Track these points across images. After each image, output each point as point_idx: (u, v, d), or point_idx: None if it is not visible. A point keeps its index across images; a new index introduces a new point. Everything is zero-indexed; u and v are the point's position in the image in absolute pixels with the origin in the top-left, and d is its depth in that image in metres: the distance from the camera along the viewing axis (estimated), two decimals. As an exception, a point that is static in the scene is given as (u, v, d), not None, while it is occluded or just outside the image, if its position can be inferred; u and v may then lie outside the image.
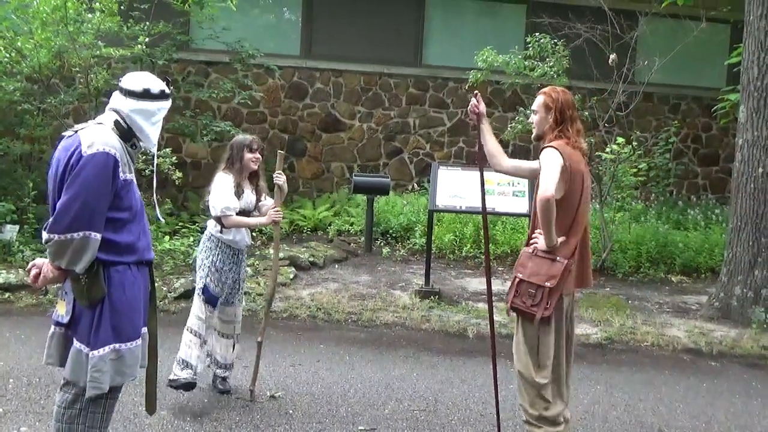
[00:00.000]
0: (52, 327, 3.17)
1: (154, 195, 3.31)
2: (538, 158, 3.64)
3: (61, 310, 3.13)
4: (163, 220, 3.48)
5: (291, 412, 4.52)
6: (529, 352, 3.65)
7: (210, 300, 4.68)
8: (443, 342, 6.28)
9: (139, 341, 3.13)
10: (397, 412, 4.63)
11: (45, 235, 2.93)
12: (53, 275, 3.00)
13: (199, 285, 4.71)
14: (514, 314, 3.73)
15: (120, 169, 2.99)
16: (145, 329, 3.22)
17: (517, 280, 3.67)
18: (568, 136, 3.67)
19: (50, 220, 2.93)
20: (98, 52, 8.61)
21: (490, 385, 5.16)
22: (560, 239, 3.56)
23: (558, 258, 3.54)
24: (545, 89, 3.84)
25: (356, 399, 4.81)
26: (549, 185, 3.43)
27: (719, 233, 9.60)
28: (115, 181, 2.98)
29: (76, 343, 3.05)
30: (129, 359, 3.07)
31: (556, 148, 3.57)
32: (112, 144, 2.99)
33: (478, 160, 4.12)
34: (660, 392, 5.29)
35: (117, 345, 3.03)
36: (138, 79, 3.15)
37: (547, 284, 3.51)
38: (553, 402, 3.64)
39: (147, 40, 8.78)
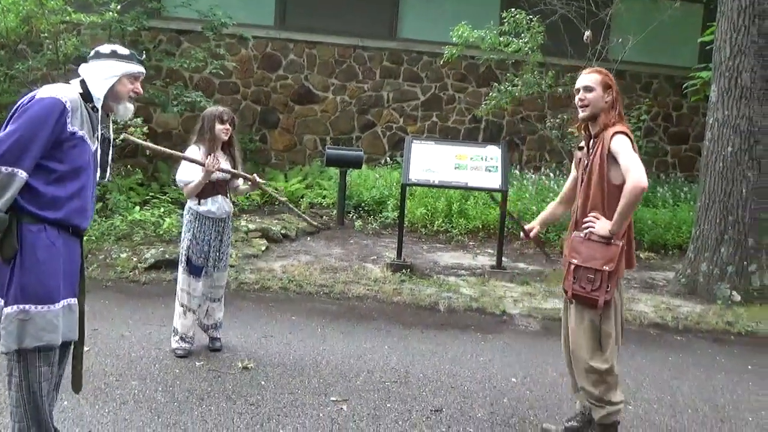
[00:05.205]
0: None
1: (97, 150, 3.24)
2: (597, 142, 3.58)
3: None
4: (108, 179, 3.48)
5: (263, 383, 4.52)
6: (591, 337, 3.62)
7: (194, 271, 4.88)
8: (414, 315, 6.32)
9: (54, 307, 3.02)
10: (368, 383, 4.66)
11: None
12: None
13: (182, 258, 4.91)
14: (574, 301, 3.68)
15: (68, 119, 3.00)
16: (73, 300, 3.15)
17: (573, 266, 3.65)
18: (622, 117, 3.64)
19: None
20: (67, 17, 8.46)
21: (461, 357, 5.24)
22: None
23: (614, 241, 3.52)
24: (591, 69, 3.75)
25: (328, 370, 4.83)
26: (642, 174, 3.38)
27: (687, 211, 9.74)
28: (58, 128, 2.97)
29: None
30: (41, 323, 2.98)
31: (627, 135, 3.51)
32: (66, 94, 3.04)
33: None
34: (627, 365, 5.37)
35: (25, 306, 2.96)
36: (96, 47, 3.33)
37: (606, 268, 3.50)
38: (613, 383, 3.64)
39: (118, 7, 8.61)
